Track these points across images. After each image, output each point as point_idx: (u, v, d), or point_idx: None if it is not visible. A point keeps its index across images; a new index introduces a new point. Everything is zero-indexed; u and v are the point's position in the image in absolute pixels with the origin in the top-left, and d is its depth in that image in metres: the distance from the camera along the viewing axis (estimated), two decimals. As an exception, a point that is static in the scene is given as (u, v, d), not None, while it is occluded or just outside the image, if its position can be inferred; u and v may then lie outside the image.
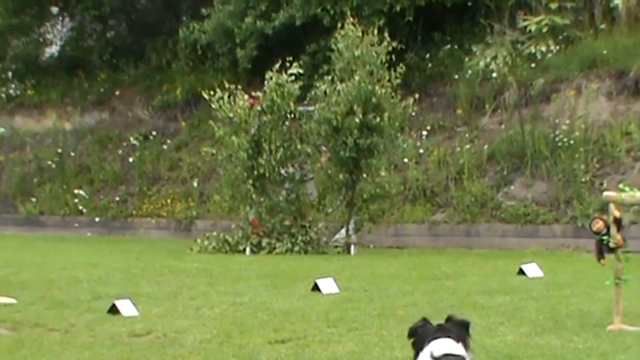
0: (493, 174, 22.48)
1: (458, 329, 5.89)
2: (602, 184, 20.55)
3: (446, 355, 5.63)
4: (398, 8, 23.93)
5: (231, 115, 20.44)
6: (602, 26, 23.40)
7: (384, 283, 14.22)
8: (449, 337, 5.80)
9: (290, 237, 20.32)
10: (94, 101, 30.72)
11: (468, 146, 22.80)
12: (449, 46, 25.31)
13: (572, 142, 21.40)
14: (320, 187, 21.58)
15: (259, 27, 25.33)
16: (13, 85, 32.38)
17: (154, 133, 28.51)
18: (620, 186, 10.55)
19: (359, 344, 9.42)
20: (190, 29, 27.12)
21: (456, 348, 5.72)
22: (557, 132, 21.81)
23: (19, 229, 27.84)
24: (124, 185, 27.94)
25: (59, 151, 29.27)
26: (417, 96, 21.09)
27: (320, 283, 13.26)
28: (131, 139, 28.57)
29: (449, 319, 5.95)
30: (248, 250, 20.20)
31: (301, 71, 20.61)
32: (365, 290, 13.38)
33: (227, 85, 20.63)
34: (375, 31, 20.33)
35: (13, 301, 12.21)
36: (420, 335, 5.91)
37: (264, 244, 20.25)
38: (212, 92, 20.57)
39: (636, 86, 21.95)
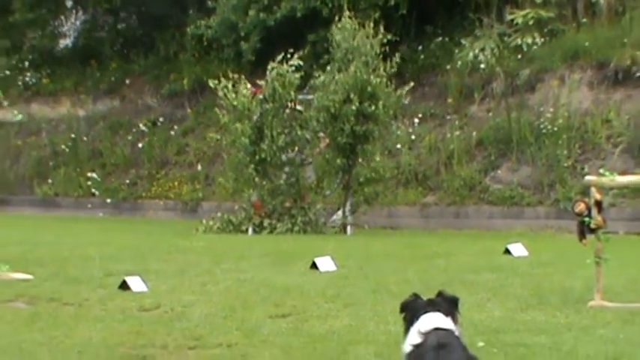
0: (481, 159, 22.47)
1: (447, 304, 5.88)
2: (583, 168, 20.55)
3: (435, 329, 5.62)
4: (392, 2, 23.87)
5: (235, 103, 20.42)
6: (584, 20, 23.36)
7: (379, 261, 14.21)
8: (438, 311, 5.79)
9: (290, 218, 20.31)
10: (106, 89, 30.71)
11: (457, 133, 22.79)
12: (440, 38, 25.27)
13: (555, 129, 21.39)
14: (318, 171, 21.56)
15: (262, 19, 25.27)
16: (30, 75, 32.37)
17: (162, 119, 28.50)
18: (601, 170, 10.54)
19: (355, 319, 9.42)
20: (197, 25, 27.08)
21: (445, 322, 5.71)
22: (541, 119, 21.79)
23: (35, 210, 27.86)
24: (134, 169, 27.94)
25: (73, 136, 29.27)
26: (410, 83, 21.00)
27: (318, 261, 13.25)
28: (140, 125, 28.56)
29: (439, 294, 5.95)
30: (250, 230, 20.20)
31: (301, 63, 20.56)
32: (360, 268, 13.38)
33: (231, 75, 20.60)
34: (371, 24, 20.25)
35: (29, 277, 12.22)
36: (410, 310, 5.90)
37: (265, 224, 20.24)
38: (217, 81, 20.55)
39: (616, 76, 21.93)
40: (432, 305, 5.83)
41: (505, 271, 12.80)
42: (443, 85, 24.13)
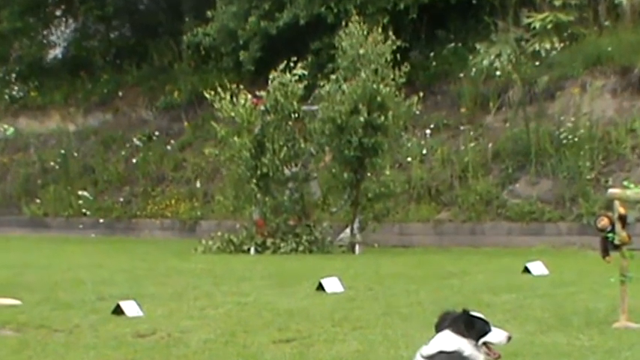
0: (498, 172, 22.48)
1: (457, 321, 5.86)
2: (607, 181, 20.54)
3: (439, 352, 5.60)
4: (402, 6, 23.91)
5: (232, 114, 20.45)
6: (607, 23, 23.39)
7: (389, 282, 14.21)
8: (449, 329, 5.77)
9: (294, 237, 20.33)
10: (98, 102, 30.77)
11: (472, 144, 22.80)
12: (453, 44, 25.30)
13: (576, 139, 21.40)
14: (324, 187, 21.55)
15: (263, 27, 25.30)
16: (17, 87, 32.45)
17: (157, 133, 28.54)
18: (625, 183, 10.55)
19: (363, 343, 9.42)
20: (194, 33, 27.13)
21: (453, 341, 5.68)
22: (561, 129, 21.81)
23: (23, 231, 27.87)
24: (128, 186, 27.97)
25: (63, 152, 29.31)
26: (421, 94, 21.07)
27: (324, 282, 13.26)
28: (135, 139, 28.61)
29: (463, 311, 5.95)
30: (252, 250, 20.21)
31: (305, 72, 20.59)
32: (369, 289, 13.38)
33: (229, 85, 20.65)
34: (380, 29, 20.29)
35: (17, 302, 12.23)
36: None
37: (268, 243, 20.26)
38: (214, 92, 20.58)
39: (641, 83, 21.96)
40: (443, 323, 5.82)
41: (524, 291, 12.80)
42: (456, 94, 24.15)
